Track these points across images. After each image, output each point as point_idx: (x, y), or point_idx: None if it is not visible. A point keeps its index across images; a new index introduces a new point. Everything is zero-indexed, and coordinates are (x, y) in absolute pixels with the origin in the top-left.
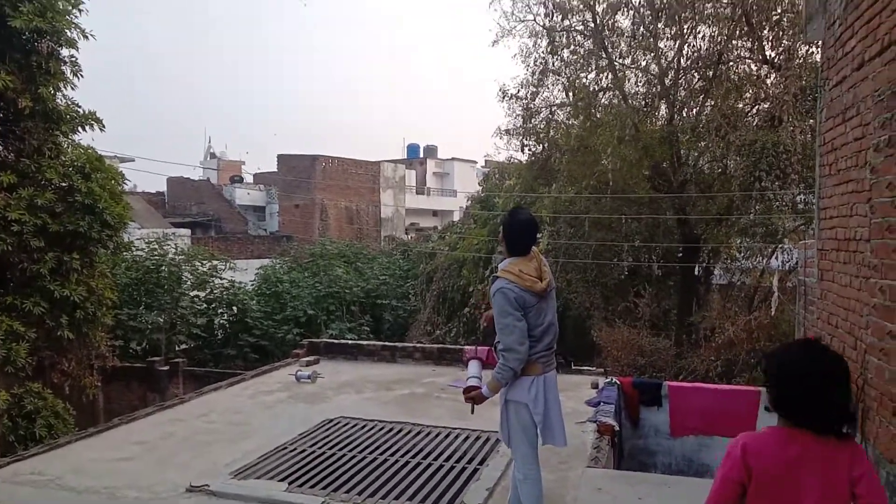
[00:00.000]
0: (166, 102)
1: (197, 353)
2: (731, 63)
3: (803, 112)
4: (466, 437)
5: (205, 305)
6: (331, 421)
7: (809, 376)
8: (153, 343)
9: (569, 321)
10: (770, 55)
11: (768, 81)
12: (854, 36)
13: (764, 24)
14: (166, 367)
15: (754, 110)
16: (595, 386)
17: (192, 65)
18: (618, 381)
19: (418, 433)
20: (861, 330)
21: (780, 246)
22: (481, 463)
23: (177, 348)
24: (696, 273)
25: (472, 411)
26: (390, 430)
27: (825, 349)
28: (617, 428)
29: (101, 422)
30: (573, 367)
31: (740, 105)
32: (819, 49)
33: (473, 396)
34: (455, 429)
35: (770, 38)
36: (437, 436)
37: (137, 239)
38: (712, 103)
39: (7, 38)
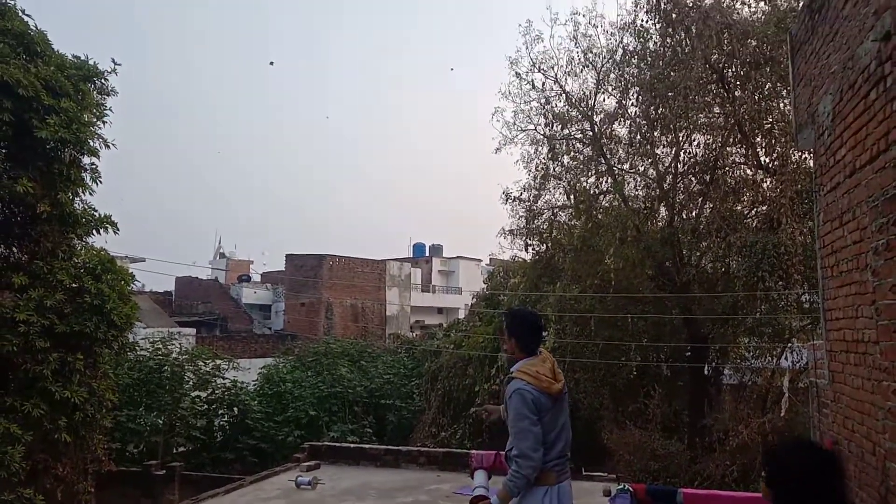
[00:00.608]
0: (178, 204)
1: (195, 456)
2: (726, 168)
3: (801, 214)
4: None
5: (205, 406)
6: None
7: (811, 477)
8: (151, 446)
9: (578, 423)
10: (764, 160)
11: (764, 185)
12: (843, 145)
13: (756, 132)
14: (163, 472)
15: (753, 212)
16: (607, 493)
17: (205, 167)
18: (631, 489)
19: None
20: (878, 434)
21: (788, 345)
22: None
23: (175, 451)
24: (706, 373)
25: None
26: None
27: (819, 448)
28: None
29: None
30: (584, 473)
31: (738, 207)
32: (811, 156)
33: None
34: None
35: (763, 144)
36: None
37: (142, 339)
38: (711, 206)
39: (32, 147)
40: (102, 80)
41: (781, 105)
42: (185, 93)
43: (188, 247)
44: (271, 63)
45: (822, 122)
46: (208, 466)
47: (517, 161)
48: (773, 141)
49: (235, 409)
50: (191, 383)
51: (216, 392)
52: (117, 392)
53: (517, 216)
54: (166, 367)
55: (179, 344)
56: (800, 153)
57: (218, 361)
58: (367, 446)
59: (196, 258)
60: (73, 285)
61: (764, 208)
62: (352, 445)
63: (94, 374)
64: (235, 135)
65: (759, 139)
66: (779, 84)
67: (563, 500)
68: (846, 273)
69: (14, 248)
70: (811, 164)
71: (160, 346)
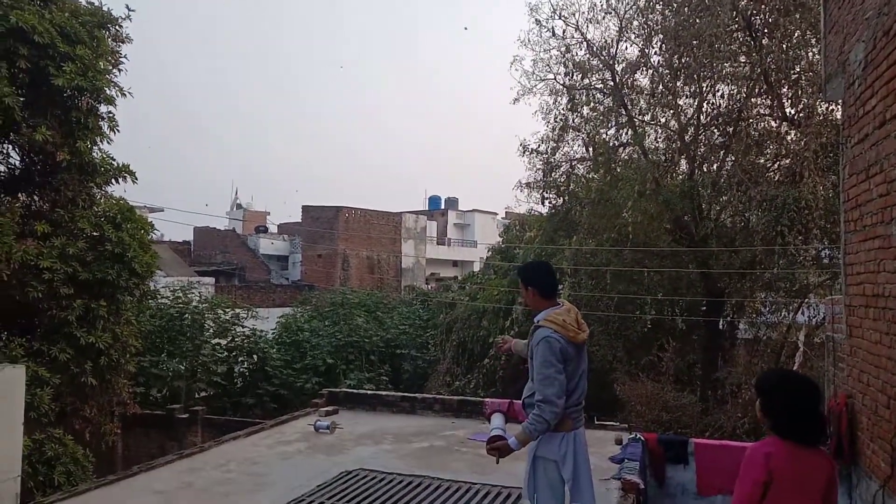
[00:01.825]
0: (195, 154)
1: (216, 401)
2: (750, 120)
3: (824, 168)
4: (487, 493)
5: (225, 353)
6: (349, 473)
7: (803, 402)
8: (173, 390)
9: (591, 374)
10: (790, 112)
11: (788, 138)
12: (874, 95)
13: (783, 82)
14: (185, 415)
15: (775, 166)
16: (619, 442)
17: (221, 117)
18: (642, 438)
19: (437, 487)
20: (893, 388)
21: (805, 301)
22: None
23: (196, 396)
24: (721, 327)
25: (497, 462)
26: (409, 483)
27: (804, 378)
28: (642, 486)
29: (119, 469)
30: (596, 422)
31: (761, 161)
32: (840, 107)
33: (499, 447)
34: (475, 484)
35: (789, 95)
36: (456, 491)
37: (163, 287)
38: (733, 159)
39: (49, 95)
40: (117, 27)
41: (810, 54)
42: (195, 41)
43: (205, 198)
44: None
45: (853, 70)
46: (229, 411)
47: (535, 112)
48: (800, 92)
49: (255, 356)
50: (211, 331)
51: (236, 340)
52: (140, 338)
53: (534, 168)
54: (187, 315)
55: (199, 293)
56: (827, 105)
57: (237, 310)
58: (383, 393)
59: (213, 209)
60: (94, 234)
61: (787, 161)
62: (368, 392)
63: (118, 321)
64: (248, 85)
65: (785, 90)
66: (808, 32)
67: (578, 446)
68: (870, 227)
69: (35, 197)
70: (838, 117)
71: (180, 294)
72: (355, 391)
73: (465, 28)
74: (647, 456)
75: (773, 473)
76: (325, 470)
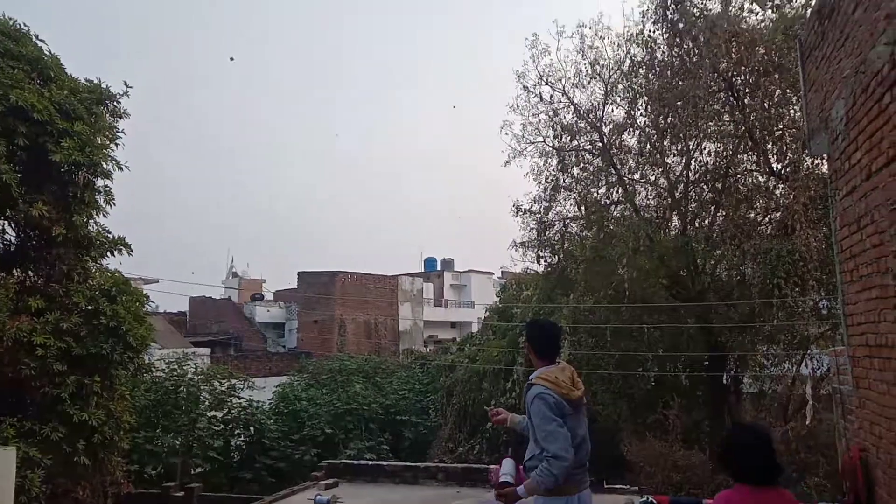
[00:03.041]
0: (189, 226)
1: (213, 476)
2: (738, 175)
3: (815, 220)
4: None
5: (222, 426)
6: None
7: (756, 450)
8: (169, 467)
9: (597, 434)
10: (776, 167)
11: (777, 192)
12: (859, 149)
13: (767, 138)
14: (181, 494)
15: (766, 219)
16: None
17: (213, 190)
18: (654, 501)
19: None
20: None
21: (807, 353)
22: None
23: (193, 472)
24: (725, 382)
25: None
26: None
27: (757, 428)
28: None
29: None
30: (605, 486)
31: (752, 215)
32: (825, 161)
33: (506, 494)
34: None
35: (774, 151)
36: None
37: (157, 359)
38: (724, 214)
39: (46, 170)
40: (115, 103)
41: (792, 111)
42: (184, 107)
43: (201, 267)
44: (231, 58)
45: (836, 126)
46: (226, 487)
47: (527, 173)
48: (785, 147)
49: (252, 428)
50: (207, 403)
51: (232, 412)
52: (134, 413)
53: (528, 228)
54: (182, 388)
55: (195, 364)
56: (812, 159)
57: (233, 381)
58: (384, 463)
59: (209, 278)
60: (89, 307)
61: (777, 215)
62: (370, 463)
63: (112, 396)
64: (240, 153)
65: (770, 146)
66: (788, 91)
67: None
68: (866, 277)
69: (30, 272)
70: (824, 170)
71: (175, 366)
72: (355, 462)
73: (454, 107)
74: None
75: None
76: None
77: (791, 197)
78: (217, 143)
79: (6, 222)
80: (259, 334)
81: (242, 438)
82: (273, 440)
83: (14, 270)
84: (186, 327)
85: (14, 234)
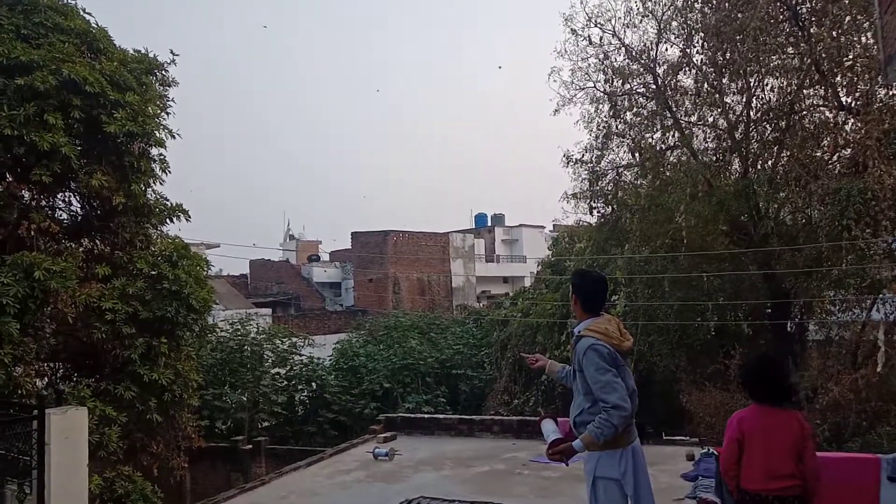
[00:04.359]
0: (249, 190)
1: (278, 430)
2: (804, 112)
3: (890, 156)
4: None
5: (285, 382)
6: (410, 502)
7: (768, 375)
8: (237, 422)
9: (654, 386)
10: (846, 101)
11: (847, 128)
12: None
13: (836, 70)
14: (249, 447)
15: (835, 158)
16: (691, 458)
17: (267, 157)
18: (716, 452)
19: None
20: None
21: (880, 297)
22: None
23: (259, 426)
24: (789, 329)
25: (567, 465)
26: None
27: (771, 357)
28: None
29: (187, 502)
30: (664, 438)
31: (819, 153)
32: None
33: (562, 450)
34: None
35: (844, 83)
36: None
37: (221, 320)
38: (788, 153)
39: (103, 141)
40: (163, 72)
41: (863, 39)
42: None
43: (260, 232)
44: (265, 26)
45: None
46: (291, 440)
47: (577, 122)
48: (856, 78)
49: (314, 384)
50: (270, 361)
51: (294, 368)
52: (201, 372)
53: (580, 179)
54: (246, 347)
55: (257, 324)
56: (887, 89)
57: (294, 339)
58: (440, 416)
59: (268, 241)
60: (152, 273)
61: (847, 152)
62: (426, 416)
63: (179, 357)
64: (285, 117)
65: (839, 78)
66: (859, 16)
67: (637, 460)
68: None
69: (97, 241)
70: None
71: (239, 326)
72: (412, 416)
73: (500, 67)
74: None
75: (744, 432)
76: (385, 499)
77: (863, 132)
78: (265, 110)
79: (71, 194)
80: (317, 294)
81: (305, 394)
82: (334, 395)
83: (83, 240)
84: (248, 289)
85: (79, 206)
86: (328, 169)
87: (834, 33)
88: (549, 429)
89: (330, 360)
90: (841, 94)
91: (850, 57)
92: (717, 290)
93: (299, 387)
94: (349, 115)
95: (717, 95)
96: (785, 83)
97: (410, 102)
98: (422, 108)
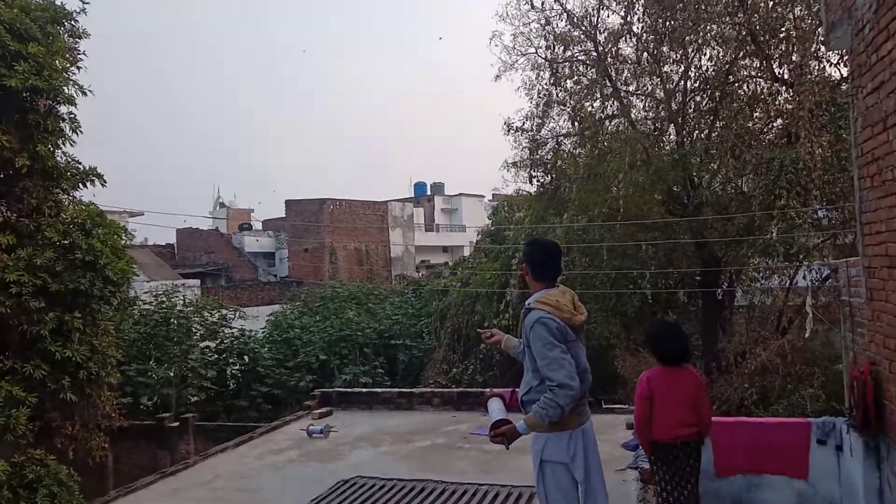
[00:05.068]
0: (175, 155)
1: (209, 405)
2: (739, 82)
3: (820, 127)
4: (496, 495)
5: (215, 356)
6: (346, 482)
7: (670, 338)
8: (164, 398)
9: (590, 352)
10: (780, 72)
11: (780, 98)
12: (891, 38)
13: (771, 41)
14: (176, 424)
15: (768, 128)
16: (631, 426)
17: (201, 116)
18: None
19: (442, 492)
20: None
21: (805, 264)
22: None
23: (188, 402)
24: (719, 297)
25: (507, 448)
26: (411, 489)
27: (671, 323)
28: None
29: (110, 484)
30: (604, 407)
31: (752, 124)
32: (835, 62)
33: (504, 432)
34: (483, 485)
35: (778, 55)
36: (462, 494)
37: (145, 292)
38: (723, 123)
39: (3, 97)
40: (72, 22)
41: (797, 11)
42: (165, 32)
43: (188, 198)
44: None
45: (863, 15)
46: (223, 415)
47: (518, 88)
48: (791, 49)
49: (246, 357)
50: (199, 334)
51: (225, 342)
52: (123, 347)
53: (520, 147)
54: (172, 320)
55: (184, 296)
56: (818, 62)
57: (224, 311)
58: (378, 390)
59: (196, 209)
60: (64, 242)
61: (780, 123)
62: (363, 390)
63: (95, 332)
64: (223, 76)
65: (773, 49)
66: None
67: (588, 444)
68: (890, 182)
69: (3, 208)
70: (831, 74)
71: (164, 298)
72: (349, 391)
73: (440, 38)
74: None
75: (653, 390)
76: (320, 479)
77: (796, 102)
78: (206, 67)
79: None
80: (249, 264)
81: (237, 367)
82: (268, 368)
83: None
84: (175, 259)
85: None
86: (263, 132)
87: (770, 3)
88: (494, 408)
89: (263, 332)
90: (775, 66)
91: (785, 29)
92: (652, 258)
93: (230, 360)
94: (282, 75)
95: (656, 65)
96: (722, 53)
97: (347, 69)
98: (360, 77)
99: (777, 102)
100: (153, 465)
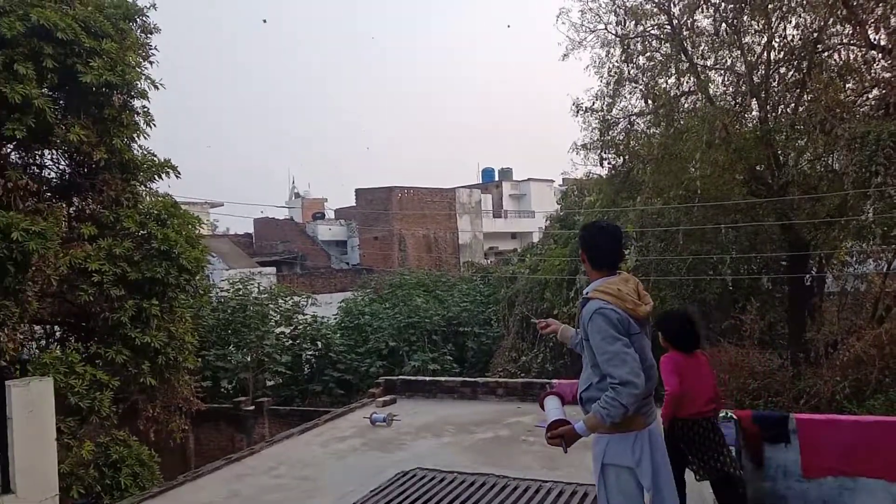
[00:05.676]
0: (254, 148)
1: (284, 390)
2: (829, 52)
3: None
4: (560, 493)
5: (290, 342)
6: (405, 474)
7: (687, 330)
8: (241, 382)
9: None
10: (875, 38)
11: (876, 66)
12: None
13: (865, 4)
14: (252, 408)
15: (862, 99)
16: None
17: (270, 110)
18: (735, 416)
19: (504, 487)
20: None
21: None
22: None
23: (265, 386)
24: (807, 282)
25: (566, 452)
26: (472, 483)
27: (686, 313)
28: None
29: (191, 465)
30: None
31: (844, 95)
32: None
33: (562, 434)
34: (546, 482)
35: (873, 20)
36: (525, 491)
37: (223, 280)
38: (811, 96)
39: (80, 93)
40: (143, 18)
41: None
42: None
43: (265, 189)
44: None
45: None
46: (297, 399)
47: (587, 67)
48: (888, 11)
49: (319, 343)
50: (274, 321)
51: (299, 328)
52: (197, 334)
53: (590, 128)
54: (249, 307)
55: (258, 283)
56: None
57: (297, 298)
58: (442, 379)
59: (273, 199)
60: (141, 232)
61: (876, 93)
62: (427, 378)
63: (172, 319)
64: (290, 77)
65: (868, 14)
66: None
67: (654, 445)
68: None
69: (89, 200)
70: None
71: (240, 286)
72: (413, 378)
73: (509, 26)
74: (742, 436)
75: (681, 370)
76: (381, 470)
77: (894, 70)
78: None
79: (52, 151)
80: (322, 252)
81: (311, 352)
82: (339, 353)
83: (73, 199)
84: (253, 248)
85: (66, 164)
86: (335, 127)
87: None
88: (551, 407)
89: (335, 318)
90: (870, 31)
91: None
92: (732, 242)
93: (304, 346)
94: (354, 74)
95: (736, 36)
96: (809, 20)
97: (412, 59)
98: (423, 67)
99: (873, 71)
100: (231, 447)
